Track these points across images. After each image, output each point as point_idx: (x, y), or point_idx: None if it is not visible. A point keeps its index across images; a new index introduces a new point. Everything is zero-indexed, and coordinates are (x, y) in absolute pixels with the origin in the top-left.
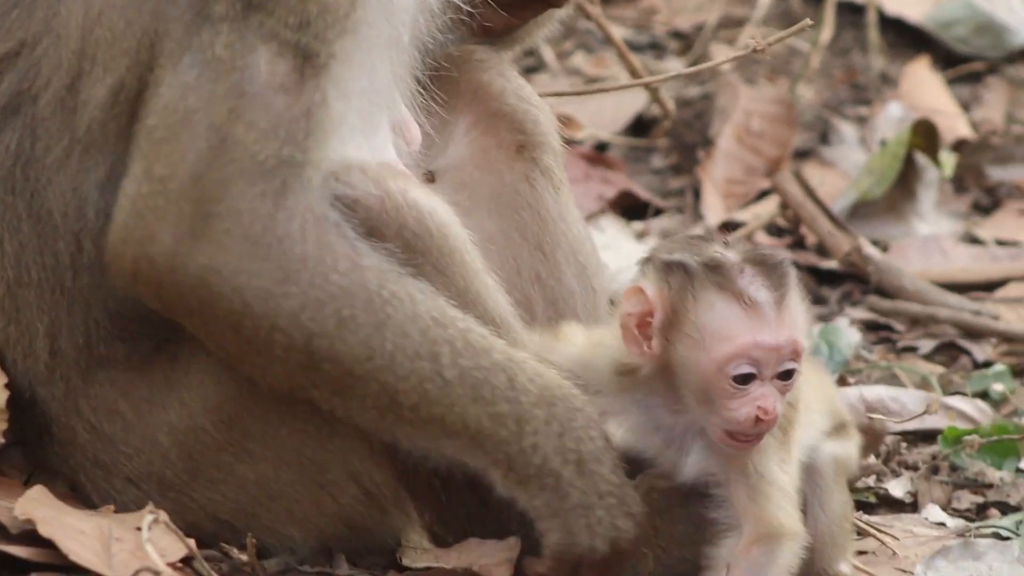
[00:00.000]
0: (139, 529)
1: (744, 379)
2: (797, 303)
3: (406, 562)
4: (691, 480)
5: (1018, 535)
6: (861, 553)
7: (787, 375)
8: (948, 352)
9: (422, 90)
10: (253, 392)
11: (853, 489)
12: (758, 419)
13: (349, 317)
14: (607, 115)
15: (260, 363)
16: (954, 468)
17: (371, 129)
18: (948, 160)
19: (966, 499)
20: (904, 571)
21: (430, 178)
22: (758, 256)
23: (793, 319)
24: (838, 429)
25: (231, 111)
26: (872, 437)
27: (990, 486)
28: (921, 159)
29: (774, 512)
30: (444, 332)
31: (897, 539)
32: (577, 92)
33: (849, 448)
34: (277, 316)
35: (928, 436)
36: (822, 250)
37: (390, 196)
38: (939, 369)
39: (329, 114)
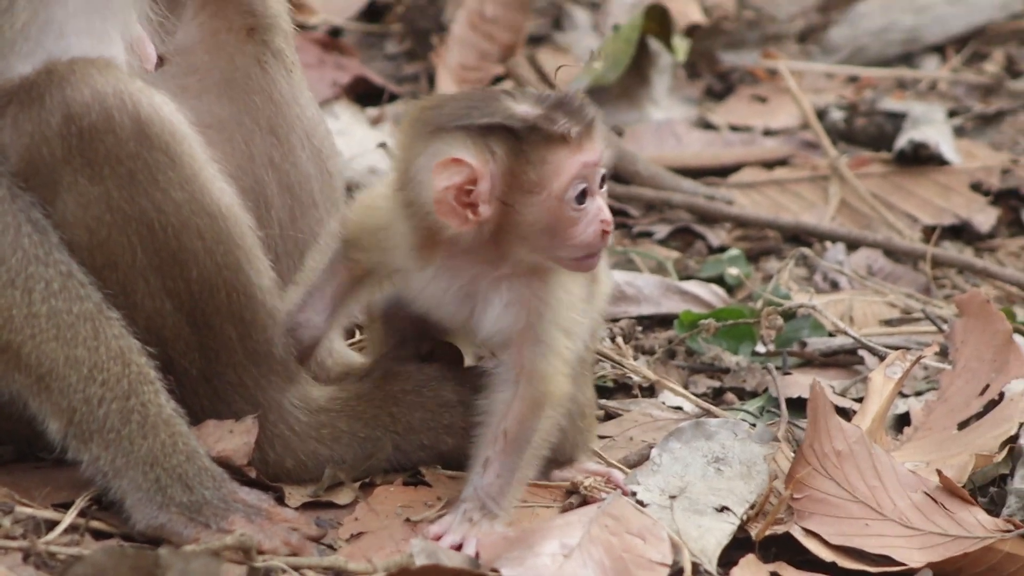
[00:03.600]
0: None
1: (581, 197)
2: (599, 126)
3: None
4: (484, 337)
5: (759, 419)
6: (602, 438)
7: (602, 182)
8: (683, 237)
9: None
10: None
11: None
12: (603, 231)
13: None
14: (340, 0)
15: None
16: (690, 353)
17: (101, 44)
18: (681, 45)
19: (703, 383)
20: (641, 454)
21: (161, 62)
22: (559, 100)
23: (600, 137)
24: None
25: None
26: None
27: (727, 371)
28: (654, 44)
29: (550, 375)
30: (44, 270)
31: (636, 423)
32: None
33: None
34: None
35: (665, 321)
36: None
37: (116, 94)
38: (674, 254)
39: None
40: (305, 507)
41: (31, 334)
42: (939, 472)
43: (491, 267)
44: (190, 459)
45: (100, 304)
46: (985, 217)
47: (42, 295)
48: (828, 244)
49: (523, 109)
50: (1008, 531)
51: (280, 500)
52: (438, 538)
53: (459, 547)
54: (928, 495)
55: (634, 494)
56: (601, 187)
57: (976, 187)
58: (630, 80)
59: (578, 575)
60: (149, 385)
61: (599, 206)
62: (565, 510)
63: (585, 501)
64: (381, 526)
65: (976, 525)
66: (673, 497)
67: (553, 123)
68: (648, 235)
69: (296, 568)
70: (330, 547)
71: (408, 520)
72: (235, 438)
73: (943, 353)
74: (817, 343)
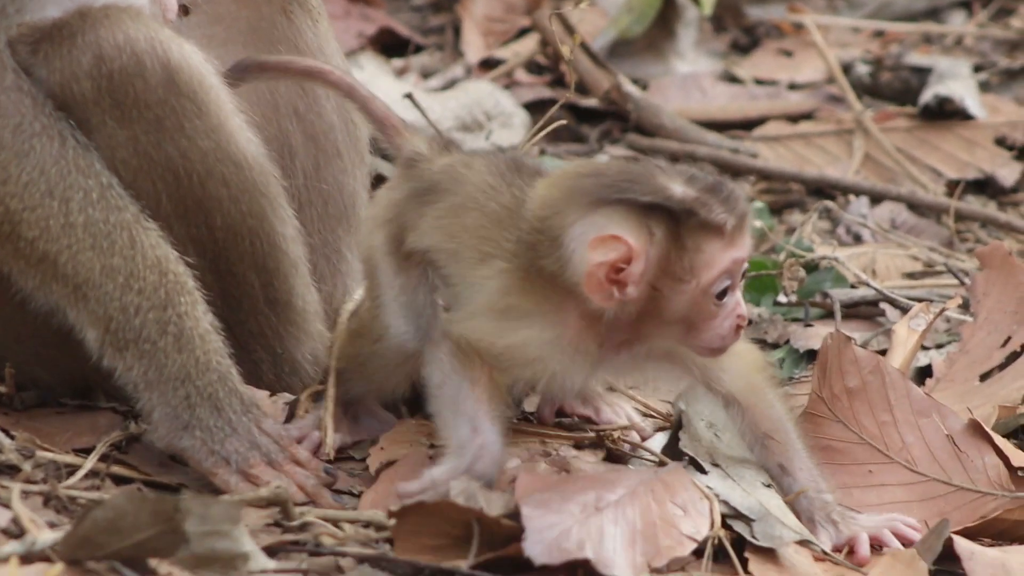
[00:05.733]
0: None
1: (723, 294)
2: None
3: None
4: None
5: (781, 372)
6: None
7: (743, 276)
8: None
9: None
10: None
11: None
12: (739, 327)
13: None
14: None
15: None
16: None
17: None
18: None
19: None
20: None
21: (185, 11)
22: (716, 188)
23: (749, 233)
24: None
25: None
26: None
27: (749, 322)
28: None
29: None
30: (83, 180)
31: None
32: None
33: None
34: None
35: None
36: (582, 88)
37: (147, 40)
38: None
39: None
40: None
41: (67, 244)
42: (969, 412)
43: (622, 349)
44: (222, 379)
45: (138, 215)
46: (1009, 172)
47: (80, 205)
48: (852, 197)
49: (679, 190)
50: (1011, 492)
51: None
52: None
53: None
54: (948, 436)
55: (688, 459)
56: (741, 281)
57: (1000, 142)
58: (656, 33)
59: (604, 530)
60: (187, 296)
61: (738, 301)
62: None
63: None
64: (405, 455)
65: (985, 480)
66: (716, 465)
67: (711, 211)
68: None
69: (334, 522)
70: (351, 493)
71: (432, 446)
72: None
73: (965, 306)
74: (839, 295)
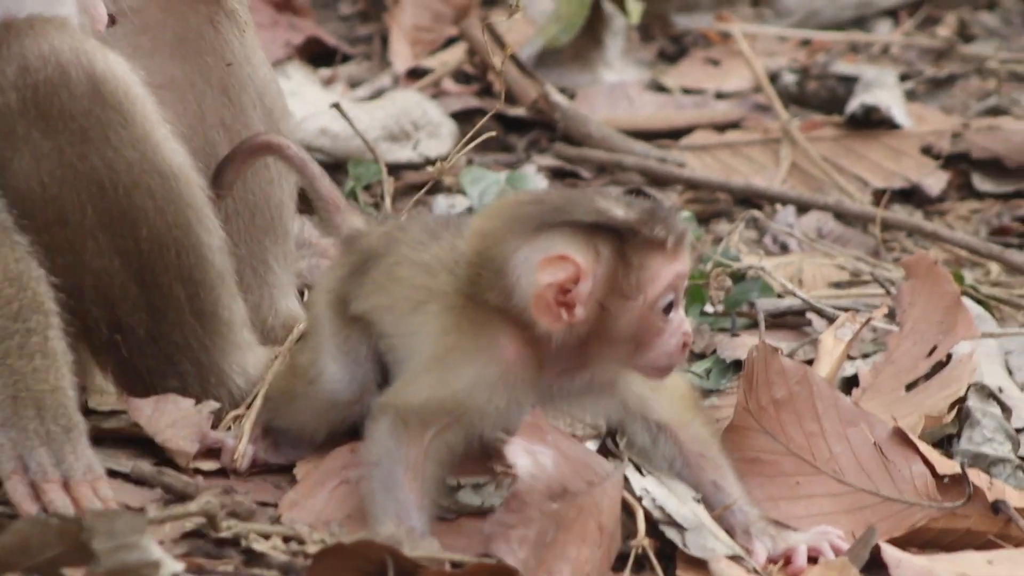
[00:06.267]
0: None
1: (668, 308)
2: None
3: (92, 405)
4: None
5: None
6: None
7: (684, 294)
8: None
9: None
10: None
11: None
12: (684, 344)
13: None
14: None
15: None
16: None
17: (55, 3)
18: (635, 7)
19: None
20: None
21: (112, 21)
22: (655, 211)
23: (687, 248)
24: None
25: None
26: None
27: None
28: (608, 6)
29: None
30: None
31: None
32: None
33: None
34: None
35: None
36: (509, 97)
37: (72, 50)
38: None
39: None
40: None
41: None
42: (894, 420)
43: (564, 378)
44: (54, 392)
45: (8, 228)
46: (935, 181)
47: None
48: (778, 207)
49: (620, 211)
50: (937, 502)
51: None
52: None
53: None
54: (875, 445)
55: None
56: (684, 298)
57: (927, 151)
58: (583, 42)
59: None
60: (41, 315)
61: (682, 318)
62: None
63: None
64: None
65: (912, 489)
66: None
67: (652, 229)
68: None
69: (265, 536)
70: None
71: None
72: (186, 428)
73: (891, 315)
74: (766, 304)
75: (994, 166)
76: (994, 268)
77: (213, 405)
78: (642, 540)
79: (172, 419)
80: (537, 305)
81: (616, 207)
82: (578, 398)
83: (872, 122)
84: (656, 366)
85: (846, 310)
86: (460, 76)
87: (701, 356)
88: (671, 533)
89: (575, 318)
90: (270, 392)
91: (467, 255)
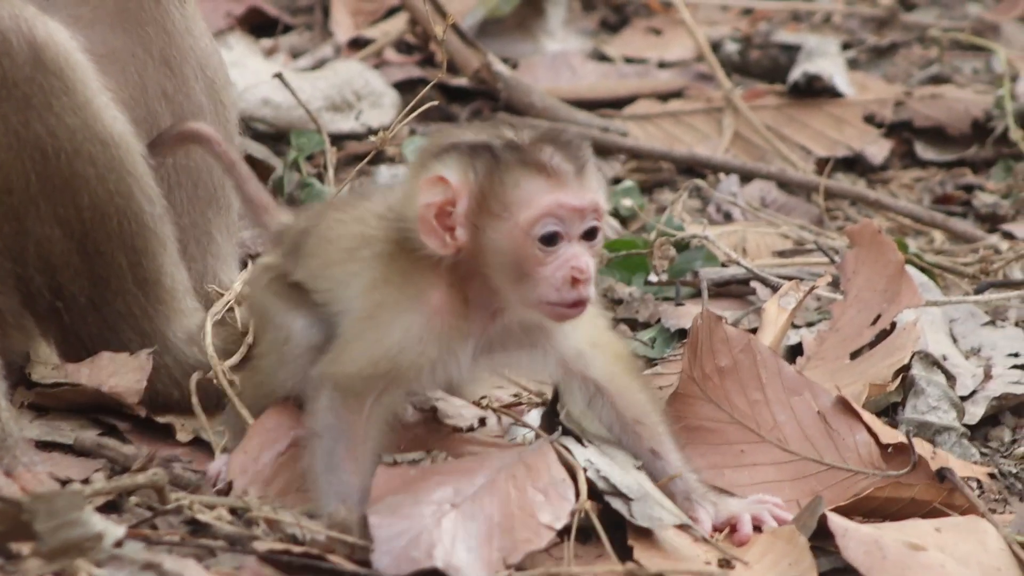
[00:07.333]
0: None
1: (551, 239)
2: (595, 173)
3: (35, 377)
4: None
5: (652, 349)
6: None
7: (592, 234)
8: None
9: None
10: None
11: None
12: (575, 279)
13: None
14: None
15: None
16: None
17: None
18: None
19: None
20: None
21: None
22: (552, 133)
23: (592, 185)
24: None
25: None
26: None
27: (620, 302)
28: None
29: None
30: None
31: None
32: None
33: None
34: None
35: None
36: (452, 67)
37: (11, 17)
38: None
39: None
40: (195, 443)
41: None
42: (837, 389)
43: (489, 323)
44: None
45: None
46: (878, 149)
47: None
48: (722, 176)
49: (512, 133)
50: (881, 471)
51: (171, 434)
52: None
53: None
54: (819, 413)
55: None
56: (590, 240)
57: (869, 119)
58: (525, 12)
59: (456, 533)
60: None
61: (575, 254)
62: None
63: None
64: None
65: (856, 458)
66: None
67: (536, 150)
68: None
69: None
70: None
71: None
72: (128, 374)
73: (835, 284)
74: (710, 273)
75: (937, 134)
76: (938, 236)
77: (148, 351)
78: (584, 503)
79: (112, 370)
80: (422, 227)
81: (511, 132)
82: (515, 352)
83: (815, 91)
84: (547, 301)
85: (790, 279)
86: (402, 46)
87: (646, 325)
88: (617, 504)
89: (457, 240)
90: (245, 400)
91: (397, 196)
